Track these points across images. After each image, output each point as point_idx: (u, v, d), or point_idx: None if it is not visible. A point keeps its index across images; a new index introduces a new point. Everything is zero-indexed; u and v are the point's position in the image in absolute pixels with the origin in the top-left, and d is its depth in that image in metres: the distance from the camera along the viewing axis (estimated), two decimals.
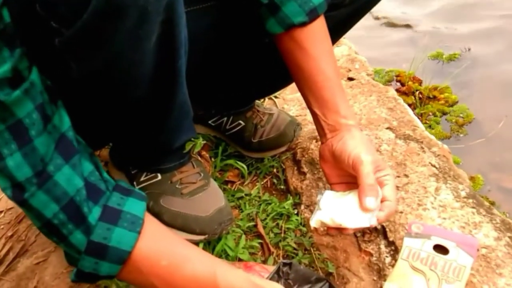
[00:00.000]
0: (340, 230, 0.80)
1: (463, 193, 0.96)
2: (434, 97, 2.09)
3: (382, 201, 0.79)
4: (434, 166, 1.03)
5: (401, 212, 0.94)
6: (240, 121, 1.18)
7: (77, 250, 0.61)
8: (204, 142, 0.88)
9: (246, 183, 1.14)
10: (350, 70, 1.39)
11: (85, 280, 0.65)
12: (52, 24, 0.54)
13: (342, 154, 0.83)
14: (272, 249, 0.98)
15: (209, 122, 1.20)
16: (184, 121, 0.86)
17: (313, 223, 0.81)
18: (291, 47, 0.86)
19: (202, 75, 0.97)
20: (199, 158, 1.10)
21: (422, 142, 1.09)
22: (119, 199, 0.63)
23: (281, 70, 0.92)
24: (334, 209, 0.80)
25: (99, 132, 0.83)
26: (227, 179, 1.15)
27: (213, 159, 1.16)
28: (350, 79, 1.36)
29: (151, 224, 0.65)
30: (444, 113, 2.00)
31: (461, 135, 1.86)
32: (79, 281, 0.64)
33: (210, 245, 0.95)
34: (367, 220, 0.77)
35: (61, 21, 0.54)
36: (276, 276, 0.82)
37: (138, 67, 0.65)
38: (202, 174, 0.97)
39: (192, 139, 0.88)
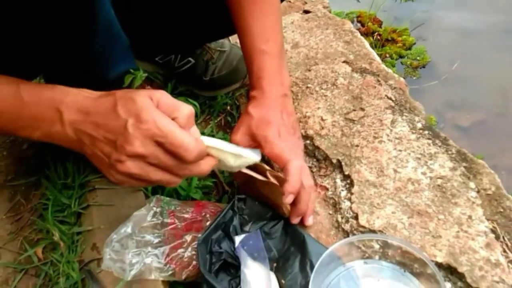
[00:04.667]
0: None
1: (419, 125, 0.95)
2: (393, 39, 2.07)
3: None
4: (390, 98, 1.00)
5: (357, 146, 0.92)
6: (190, 58, 1.11)
7: None
8: (146, 75, 0.80)
9: (199, 121, 1.09)
10: (306, 3, 1.33)
11: None
12: None
13: None
14: (226, 187, 0.96)
15: (156, 59, 1.13)
16: (115, 47, 0.80)
17: None
18: None
19: (149, 18, 0.93)
20: None
21: (378, 75, 1.06)
22: None
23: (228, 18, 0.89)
24: None
25: (29, 59, 0.75)
26: None
27: None
28: (306, 11, 1.29)
29: None
30: (401, 56, 1.99)
31: (414, 78, 1.86)
32: None
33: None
34: None
35: None
36: (231, 211, 0.79)
37: None
38: None
39: (132, 71, 0.81)
